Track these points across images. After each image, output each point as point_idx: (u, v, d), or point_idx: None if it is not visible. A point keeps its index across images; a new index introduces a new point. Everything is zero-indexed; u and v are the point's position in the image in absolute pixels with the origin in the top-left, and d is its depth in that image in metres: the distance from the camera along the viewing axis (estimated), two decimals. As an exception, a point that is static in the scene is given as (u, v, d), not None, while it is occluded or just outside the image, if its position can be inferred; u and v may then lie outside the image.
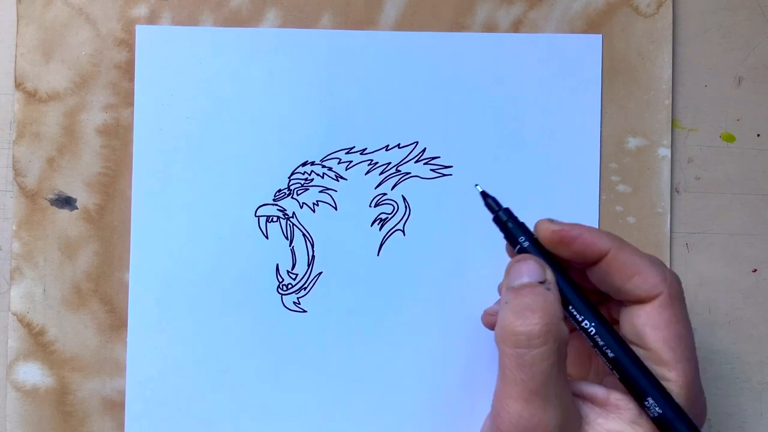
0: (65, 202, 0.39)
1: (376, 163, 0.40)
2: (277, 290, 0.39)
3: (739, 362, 0.40)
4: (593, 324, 0.30)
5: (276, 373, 0.39)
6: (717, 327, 0.40)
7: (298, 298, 0.39)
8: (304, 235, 0.39)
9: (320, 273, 0.39)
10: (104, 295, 0.39)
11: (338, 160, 0.40)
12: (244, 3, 0.40)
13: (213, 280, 0.39)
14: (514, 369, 0.28)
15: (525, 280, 0.30)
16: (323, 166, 0.40)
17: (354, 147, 0.40)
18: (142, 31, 0.40)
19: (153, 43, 0.39)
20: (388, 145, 0.40)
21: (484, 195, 0.33)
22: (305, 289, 0.39)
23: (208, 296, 0.39)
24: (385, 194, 0.40)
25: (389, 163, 0.40)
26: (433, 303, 0.39)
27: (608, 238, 0.30)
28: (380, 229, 0.40)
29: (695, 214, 0.40)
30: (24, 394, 0.39)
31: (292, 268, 0.39)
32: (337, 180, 0.40)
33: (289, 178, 0.40)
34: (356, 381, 0.39)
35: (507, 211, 0.32)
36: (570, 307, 0.30)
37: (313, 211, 0.40)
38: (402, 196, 0.40)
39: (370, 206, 0.40)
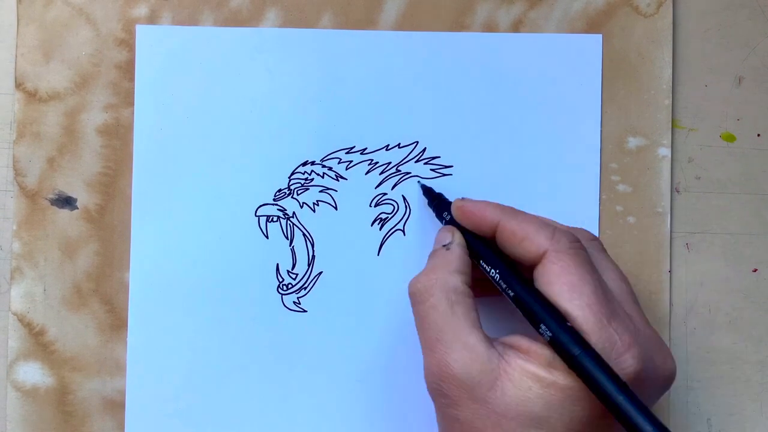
0: (65, 201, 0.39)
1: (377, 162, 0.40)
2: (277, 290, 0.39)
3: (739, 362, 0.40)
4: (497, 271, 0.32)
5: (276, 373, 0.39)
6: (717, 327, 0.40)
7: (298, 297, 0.39)
8: (304, 234, 0.40)
9: (320, 273, 0.39)
10: (104, 295, 0.39)
11: (338, 159, 0.40)
12: (245, 3, 0.40)
13: (213, 280, 0.39)
14: (417, 326, 0.32)
15: (436, 246, 0.34)
16: (323, 166, 0.40)
17: (354, 147, 0.40)
18: (142, 31, 0.40)
19: (153, 43, 0.39)
20: (388, 145, 0.40)
21: (421, 186, 0.39)
22: (305, 288, 0.39)
23: (208, 296, 0.39)
24: (385, 194, 0.40)
25: (389, 163, 0.40)
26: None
27: (498, 210, 0.33)
28: (380, 229, 0.40)
29: (695, 214, 0.40)
30: (24, 394, 0.39)
31: (293, 268, 0.39)
32: (338, 180, 0.40)
33: (289, 177, 0.40)
34: (356, 381, 0.39)
35: (439, 196, 0.38)
36: (481, 262, 0.33)
37: (314, 210, 0.40)
38: (402, 195, 0.40)
39: (370, 206, 0.40)
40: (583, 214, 0.39)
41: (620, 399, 0.27)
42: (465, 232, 0.34)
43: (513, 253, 0.32)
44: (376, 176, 0.40)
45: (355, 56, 0.40)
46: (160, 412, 0.39)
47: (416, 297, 0.32)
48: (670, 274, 0.40)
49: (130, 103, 0.39)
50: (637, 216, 0.40)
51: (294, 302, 0.39)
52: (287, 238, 0.39)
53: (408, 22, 0.40)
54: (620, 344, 0.29)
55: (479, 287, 0.34)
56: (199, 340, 0.39)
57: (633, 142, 0.40)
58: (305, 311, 0.39)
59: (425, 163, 0.40)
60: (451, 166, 0.40)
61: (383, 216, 0.40)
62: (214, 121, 0.40)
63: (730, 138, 0.40)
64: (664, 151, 0.40)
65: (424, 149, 0.40)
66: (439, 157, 0.40)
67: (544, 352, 0.29)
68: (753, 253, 0.40)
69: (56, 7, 0.39)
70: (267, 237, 0.39)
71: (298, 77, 0.40)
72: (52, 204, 0.39)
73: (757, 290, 0.40)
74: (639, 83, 0.40)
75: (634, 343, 0.29)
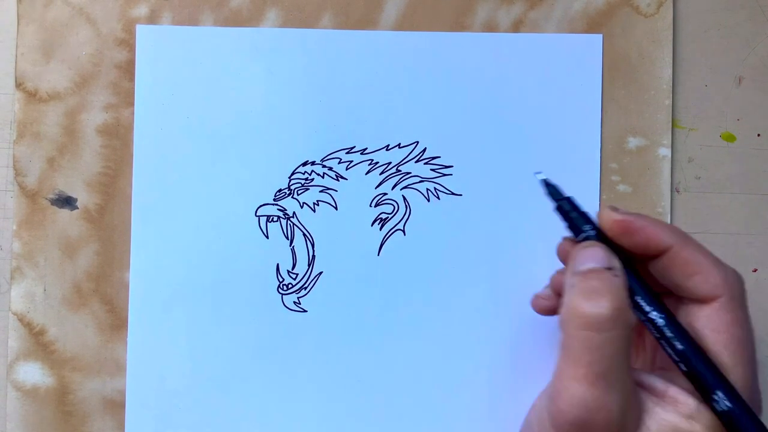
0: (66, 201, 0.39)
1: (377, 162, 0.40)
2: (278, 290, 0.39)
3: (739, 362, 0.40)
4: (662, 316, 0.29)
5: (276, 373, 0.39)
6: (717, 327, 0.40)
7: (298, 297, 0.39)
8: (304, 234, 0.39)
9: (320, 273, 0.39)
10: (104, 295, 0.39)
11: (338, 159, 0.40)
12: (245, 3, 0.40)
13: (213, 280, 0.39)
14: (580, 351, 0.28)
15: (592, 265, 0.30)
16: (323, 166, 0.40)
17: (354, 147, 0.40)
18: (142, 31, 0.40)
19: (153, 42, 0.39)
20: (388, 145, 0.40)
21: (546, 183, 0.32)
22: (305, 288, 0.39)
23: (208, 296, 0.39)
24: (385, 194, 0.40)
25: (389, 163, 0.40)
26: (433, 302, 0.39)
27: (672, 233, 0.30)
28: (380, 229, 0.40)
29: (695, 214, 0.40)
30: (24, 393, 0.39)
31: (293, 268, 0.39)
32: (338, 180, 0.40)
33: (289, 177, 0.40)
34: (357, 381, 0.39)
35: (569, 200, 0.32)
36: (636, 297, 0.30)
37: (314, 210, 0.40)
38: (402, 195, 0.40)
39: (370, 206, 0.40)
40: (583, 214, 0.39)
41: None
42: (613, 250, 0.30)
43: (674, 281, 0.30)
44: (376, 176, 0.40)
45: (355, 56, 0.40)
46: (160, 412, 0.39)
47: (599, 323, 0.28)
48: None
49: (131, 103, 0.39)
50: (637, 216, 0.40)
51: (294, 302, 0.39)
52: (287, 238, 0.39)
53: (408, 22, 0.40)
54: (757, 402, 0.29)
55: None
56: (199, 340, 0.39)
57: (633, 142, 0.40)
58: (305, 311, 0.39)
59: (425, 163, 0.40)
60: (451, 166, 0.40)
61: (383, 216, 0.40)
62: (214, 121, 0.40)
63: (730, 138, 0.40)
64: (664, 151, 0.40)
65: (425, 149, 0.40)
66: (439, 157, 0.40)
67: (686, 401, 0.28)
68: (753, 253, 0.40)
69: (56, 6, 0.39)
70: (267, 237, 0.39)
71: (298, 77, 0.40)
72: (52, 204, 0.39)
73: (757, 290, 0.40)
74: (639, 83, 0.40)
75: (759, 413, 0.29)
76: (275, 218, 0.40)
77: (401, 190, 0.40)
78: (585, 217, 0.32)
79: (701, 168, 0.40)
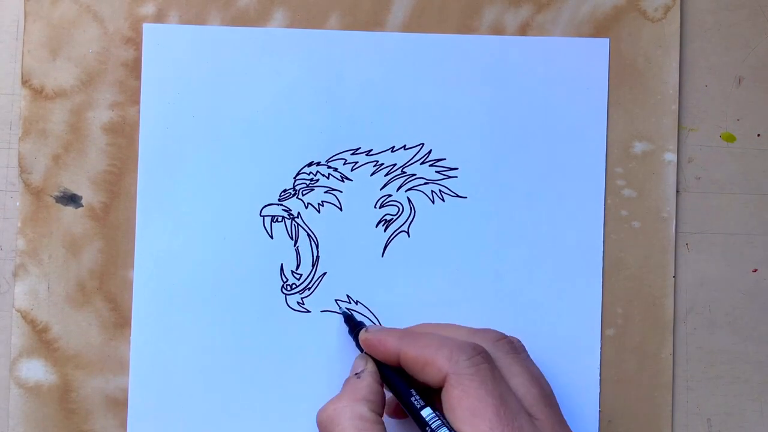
0: (70, 199, 0.39)
1: (382, 164, 0.40)
2: (281, 290, 0.39)
3: (739, 362, 0.40)
4: (401, 397, 0.33)
5: (279, 373, 0.39)
6: (717, 327, 0.40)
7: (302, 298, 0.39)
8: (308, 235, 0.40)
9: (324, 273, 0.39)
10: (108, 293, 0.39)
11: (344, 160, 0.40)
12: (252, 3, 0.40)
13: (217, 279, 0.39)
14: None
15: (350, 375, 0.35)
16: (329, 167, 0.40)
17: (360, 148, 0.40)
18: (149, 30, 0.40)
19: (160, 41, 0.39)
20: (393, 147, 0.40)
21: (345, 317, 0.38)
22: (309, 289, 0.39)
23: (211, 295, 0.39)
24: (390, 195, 0.40)
25: (395, 165, 0.40)
26: (437, 305, 0.39)
27: (397, 338, 0.33)
28: (385, 230, 0.40)
29: (695, 214, 0.40)
30: (27, 391, 0.39)
31: (297, 268, 0.39)
32: (343, 181, 0.40)
33: (294, 178, 0.40)
34: (359, 382, 0.39)
35: (358, 324, 0.38)
36: (393, 389, 0.34)
37: (318, 211, 0.40)
38: (407, 197, 0.40)
39: (375, 207, 0.40)
40: (587, 218, 0.39)
41: None
42: (375, 361, 0.35)
43: (422, 379, 0.32)
44: (381, 178, 0.40)
45: (362, 57, 0.40)
46: (162, 410, 0.39)
47: (324, 426, 0.32)
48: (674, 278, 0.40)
49: (136, 101, 0.39)
50: (642, 221, 0.40)
51: (298, 302, 0.39)
52: (292, 238, 0.39)
53: (415, 23, 0.40)
54: None
55: (402, 411, 0.35)
56: (202, 339, 0.39)
57: (639, 146, 0.40)
58: (309, 311, 0.39)
59: (430, 165, 0.40)
60: (457, 168, 0.40)
61: (388, 217, 0.40)
62: (219, 121, 0.40)
63: (730, 138, 0.40)
64: (670, 156, 0.40)
65: (430, 151, 0.40)
66: (444, 159, 0.40)
67: None
68: (753, 253, 0.40)
69: (63, 4, 0.39)
70: (272, 237, 0.39)
71: (305, 78, 0.40)
72: (56, 201, 0.39)
73: (757, 290, 0.40)
74: (645, 88, 0.40)
75: None
76: (280, 218, 0.40)
77: (406, 191, 0.40)
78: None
79: (701, 168, 0.40)
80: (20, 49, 0.40)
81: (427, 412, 0.31)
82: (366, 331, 0.35)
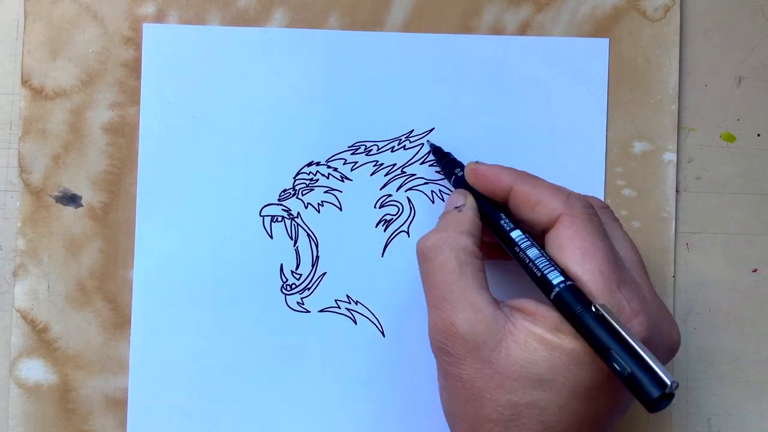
0: (70, 199, 0.39)
1: (382, 164, 0.40)
2: (281, 290, 0.39)
3: (739, 362, 0.40)
4: (508, 234, 0.33)
5: (279, 373, 0.39)
6: (717, 327, 0.40)
7: (301, 298, 0.39)
8: (308, 235, 0.40)
9: (324, 273, 0.39)
10: (108, 293, 0.39)
11: (344, 160, 0.40)
12: (252, 2, 0.40)
13: (217, 279, 0.39)
14: (424, 283, 0.32)
15: (448, 208, 0.34)
16: (328, 167, 0.40)
17: (359, 148, 0.40)
18: (149, 30, 0.40)
19: (160, 41, 0.39)
20: (393, 147, 0.40)
21: (434, 148, 0.38)
22: (309, 289, 0.39)
23: (211, 295, 0.39)
24: (390, 195, 0.40)
25: (395, 165, 0.40)
26: (437, 305, 0.39)
27: (512, 174, 0.33)
28: (385, 230, 0.40)
29: (695, 214, 0.40)
30: (27, 391, 0.39)
31: (296, 268, 0.39)
32: (343, 181, 0.40)
33: (294, 178, 0.40)
34: (359, 382, 0.39)
35: (448, 155, 0.38)
36: (493, 225, 0.34)
37: (318, 211, 0.40)
38: (407, 197, 0.40)
39: (375, 207, 0.40)
40: (587, 218, 0.39)
41: (623, 356, 0.27)
42: (477, 196, 0.34)
43: (526, 217, 0.32)
44: (381, 177, 0.40)
45: (362, 57, 0.40)
46: (162, 411, 0.39)
47: (425, 255, 0.32)
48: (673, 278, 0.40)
49: (136, 101, 0.39)
50: (641, 221, 0.40)
51: (297, 302, 0.39)
52: (291, 238, 0.39)
53: (415, 23, 0.40)
54: (629, 310, 0.30)
55: (487, 252, 0.34)
56: (201, 339, 0.39)
57: (639, 146, 0.40)
58: (308, 312, 0.39)
59: (430, 165, 0.40)
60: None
61: (388, 217, 0.40)
62: (219, 121, 0.40)
63: (730, 138, 0.40)
64: (670, 156, 0.40)
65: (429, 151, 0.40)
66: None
67: (551, 315, 0.30)
68: (753, 253, 0.40)
69: (63, 4, 0.39)
70: (271, 237, 0.39)
71: (305, 77, 0.40)
72: (56, 201, 0.39)
73: (757, 290, 0.40)
74: (645, 88, 0.40)
75: (642, 311, 0.30)
76: (279, 218, 0.40)
77: (406, 191, 0.40)
78: (456, 168, 0.36)
79: (701, 168, 0.40)
80: (20, 49, 0.40)
81: (520, 236, 0.32)
82: (476, 162, 0.35)
